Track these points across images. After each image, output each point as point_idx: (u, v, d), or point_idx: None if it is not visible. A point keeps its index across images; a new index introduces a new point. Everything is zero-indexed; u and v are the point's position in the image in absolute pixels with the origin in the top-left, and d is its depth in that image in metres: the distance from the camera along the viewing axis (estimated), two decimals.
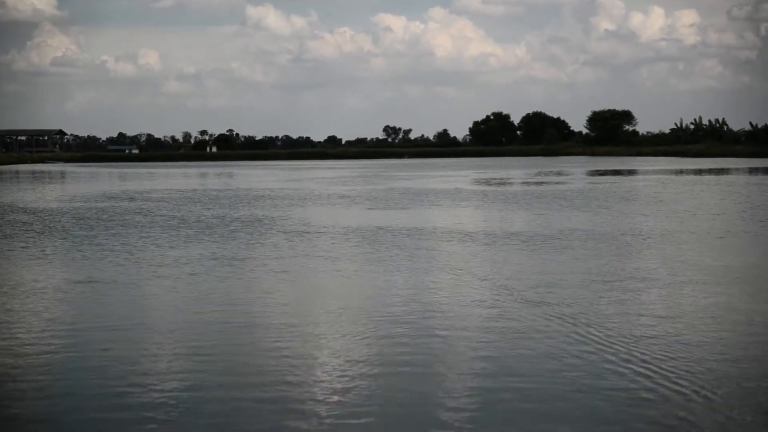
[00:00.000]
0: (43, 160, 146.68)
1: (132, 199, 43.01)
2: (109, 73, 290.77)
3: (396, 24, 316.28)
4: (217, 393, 9.51)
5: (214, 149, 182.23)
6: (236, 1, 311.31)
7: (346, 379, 9.99)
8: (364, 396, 9.37)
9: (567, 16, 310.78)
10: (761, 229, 25.25)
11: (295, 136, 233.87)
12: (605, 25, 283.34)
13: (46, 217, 32.00)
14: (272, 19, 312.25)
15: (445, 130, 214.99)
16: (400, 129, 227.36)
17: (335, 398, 9.30)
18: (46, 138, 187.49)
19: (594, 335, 11.76)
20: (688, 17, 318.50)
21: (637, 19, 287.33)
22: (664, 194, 41.20)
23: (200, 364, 10.66)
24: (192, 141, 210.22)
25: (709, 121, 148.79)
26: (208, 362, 10.77)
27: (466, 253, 20.38)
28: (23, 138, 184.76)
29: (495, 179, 62.36)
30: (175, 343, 11.88)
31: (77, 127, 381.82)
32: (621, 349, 10.99)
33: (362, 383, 9.80)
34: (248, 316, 13.58)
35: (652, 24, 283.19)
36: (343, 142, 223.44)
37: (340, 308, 14.01)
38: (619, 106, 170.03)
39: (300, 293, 15.86)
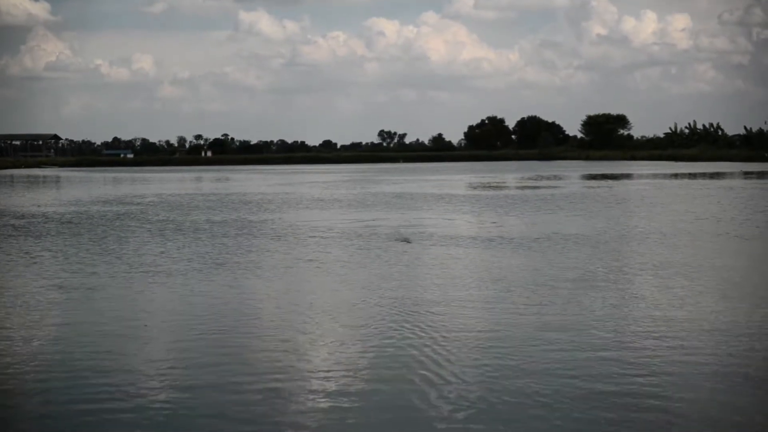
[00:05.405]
0: (38, 165, 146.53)
1: (124, 203, 43.01)
2: (103, 78, 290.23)
3: (389, 28, 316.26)
4: (210, 396, 9.55)
5: (209, 154, 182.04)
6: (229, 5, 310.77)
7: (338, 379, 10.04)
8: (358, 399, 9.42)
9: (560, 20, 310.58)
10: (743, 231, 25.34)
11: (289, 141, 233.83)
12: (598, 29, 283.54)
13: (37, 221, 31.98)
14: (265, 23, 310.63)
15: (440, 135, 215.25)
16: (395, 133, 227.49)
17: (331, 400, 9.35)
18: (40, 143, 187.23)
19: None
20: (680, 22, 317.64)
21: (629, 23, 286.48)
22: (656, 198, 41.31)
23: (191, 367, 10.69)
24: (187, 145, 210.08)
25: (704, 125, 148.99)
26: (199, 365, 10.80)
27: (449, 256, 20.44)
28: (18, 143, 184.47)
29: (490, 183, 62.42)
30: (166, 345, 11.92)
31: (72, 131, 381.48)
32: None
33: (354, 386, 9.85)
34: (239, 316, 13.62)
35: (644, 28, 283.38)
36: (338, 146, 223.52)
37: (327, 310, 14.07)
38: (614, 111, 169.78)
39: (289, 296, 15.87)
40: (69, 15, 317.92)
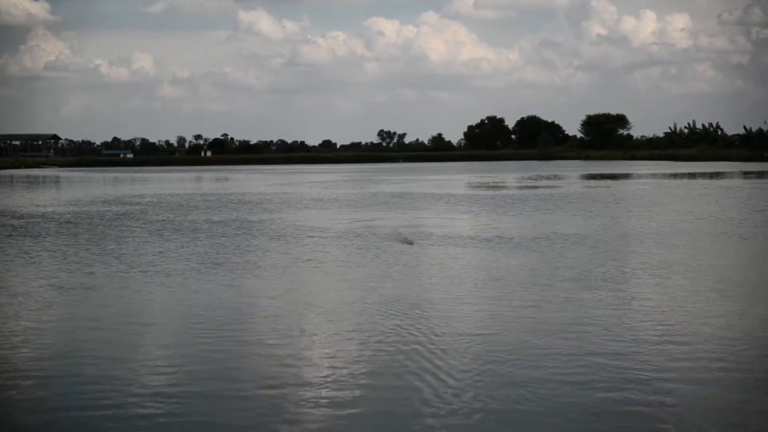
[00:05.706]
0: (38, 165, 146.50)
1: (123, 203, 42.99)
2: (102, 78, 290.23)
3: (389, 28, 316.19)
4: (208, 397, 9.54)
5: (208, 154, 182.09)
6: (228, 5, 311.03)
7: (332, 380, 10.03)
8: (351, 403, 9.41)
9: (559, 20, 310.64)
10: (732, 229, 25.35)
11: (289, 141, 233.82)
12: (598, 29, 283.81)
13: (36, 222, 31.96)
14: (264, 23, 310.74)
15: (439, 134, 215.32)
16: (394, 133, 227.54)
17: (325, 401, 9.34)
18: (40, 143, 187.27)
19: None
20: (679, 21, 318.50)
21: (629, 23, 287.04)
22: (655, 198, 41.31)
23: (187, 370, 10.68)
24: (186, 145, 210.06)
25: (703, 125, 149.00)
26: (196, 366, 10.79)
27: (447, 255, 20.43)
28: (17, 143, 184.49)
29: (489, 183, 62.40)
30: (162, 346, 11.92)
31: (72, 131, 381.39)
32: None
33: (348, 390, 9.84)
34: (237, 316, 13.61)
35: (644, 28, 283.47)
36: (338, 146, 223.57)
37: (325, 310, 14.06)
38: (613, 110, 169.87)
39: (287, 296, 15.85)
40: (69, 15, 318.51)
